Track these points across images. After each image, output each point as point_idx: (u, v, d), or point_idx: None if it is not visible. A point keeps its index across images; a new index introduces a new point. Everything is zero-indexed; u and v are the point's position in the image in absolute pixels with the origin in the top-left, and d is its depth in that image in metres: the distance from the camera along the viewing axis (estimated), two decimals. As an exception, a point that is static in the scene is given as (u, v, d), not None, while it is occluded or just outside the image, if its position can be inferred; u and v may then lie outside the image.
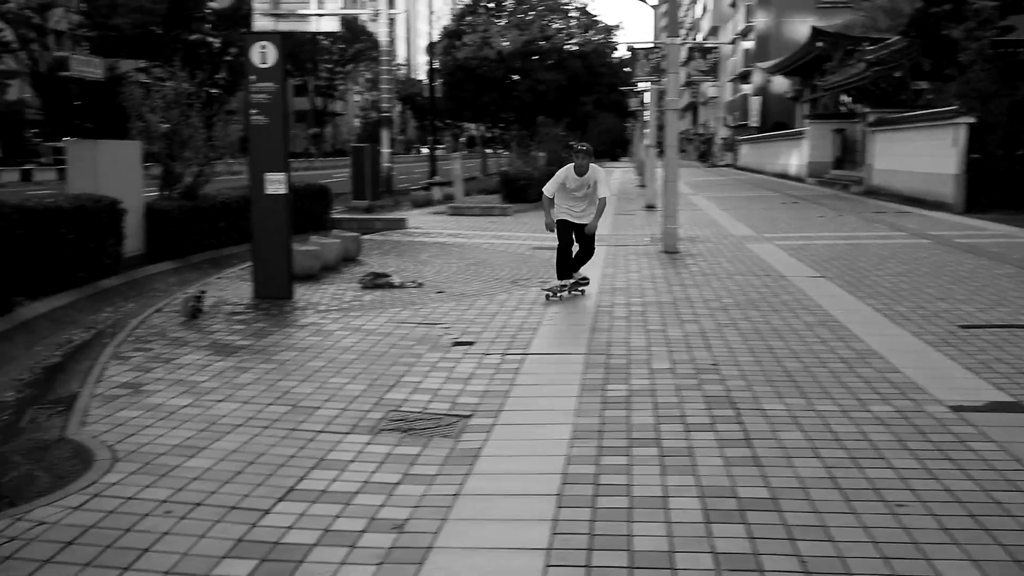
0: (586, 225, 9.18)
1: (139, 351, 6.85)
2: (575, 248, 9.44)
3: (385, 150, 27.15)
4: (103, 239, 10.17)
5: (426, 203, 24.10)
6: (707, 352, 6.77)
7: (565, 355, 6.75)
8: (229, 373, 6.18)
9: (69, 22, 45.95)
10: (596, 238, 9.49)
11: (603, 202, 9.17)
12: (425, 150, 71.15)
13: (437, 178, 28.43)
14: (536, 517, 3.80)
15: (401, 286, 9.99)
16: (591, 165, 9.08)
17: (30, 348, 7.54)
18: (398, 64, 72.61)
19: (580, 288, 9.39)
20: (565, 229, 9.26)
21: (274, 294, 9.10)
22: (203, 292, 8.73)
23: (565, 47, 42.00)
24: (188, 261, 12.28)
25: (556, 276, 9.33)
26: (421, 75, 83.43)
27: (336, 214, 18.19)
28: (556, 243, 9.50)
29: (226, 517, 3.83)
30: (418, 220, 19.10)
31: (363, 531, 3.70)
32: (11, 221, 8.08)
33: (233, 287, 9.90)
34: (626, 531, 3.66)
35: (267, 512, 3.89)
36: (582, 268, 9.48)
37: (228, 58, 47.49)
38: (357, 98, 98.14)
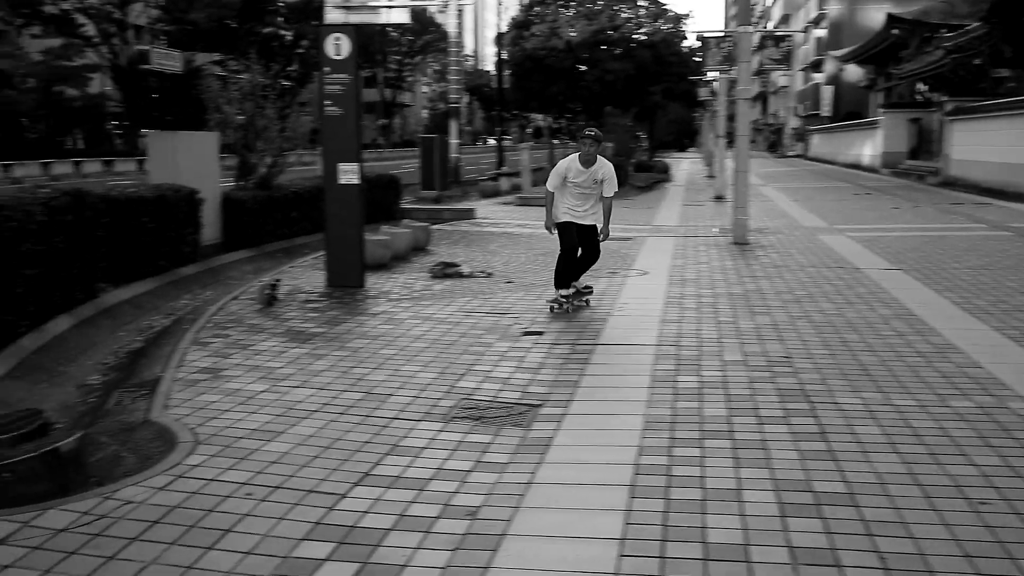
0: (592, 227, 8.07)
1: (217, 337, 7.03)
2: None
3: (453, 141, 27.31)
4: (182, 228, 10.44)
5: (493, 193, 24.19)
6: (780, 344, 6.69)
7: (635, 346, 6.73)
8: (304, 360, 6.31)
9: (148, 17, 47.17)
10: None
11: (609, 203, 8.06)
12: (492, 141, 71.35)
13: (504, 169, 28.50)
14: (609, 507, 3.81)
15: (470, 276, 10.06)
16: (599, 156, 7.92)
17: (114, 333, 7.78)
18: (466, 55, 72.94)
19: (585, 298, 8.29)
20: (570, 232, 8.01)
21: (346, 283, 9.24)
22: (278, 280, 8.91)
23: (633, 36, 41.65)
24: (262, 250, 12.53)
25: (555, 285, 8.12)
26: (488, 66, 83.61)
27: (405, 204, 18.36)
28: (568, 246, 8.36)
29: (304, 500, 3.91)
30: (486, 210, 19.17)
31: (437, 517, 3.75)
32: (97, 211, 8.34)
33: (306, 275, 10.08)
34: (700, 523, 3.65)
35: (343, 496, 3.96)
36: (583, 276, 8.33)
37: (299, 51, 48.24)
38: (425, 89, 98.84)
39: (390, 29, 64.16)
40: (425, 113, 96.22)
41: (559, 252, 8.05)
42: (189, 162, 11.67)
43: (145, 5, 45.30)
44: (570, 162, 7.88)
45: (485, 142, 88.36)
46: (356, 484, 4.10)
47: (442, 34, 64.99)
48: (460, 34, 35.74)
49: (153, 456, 4.52)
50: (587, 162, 7.78)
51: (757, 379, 5.77)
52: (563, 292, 8.00)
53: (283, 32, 47.70)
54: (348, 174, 9.13)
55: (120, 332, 7.87)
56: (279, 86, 15.47)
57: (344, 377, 5.88)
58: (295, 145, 14.09)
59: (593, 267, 8.37)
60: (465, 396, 5.48)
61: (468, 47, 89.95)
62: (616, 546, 3.44)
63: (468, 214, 17.92)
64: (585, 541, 3.49)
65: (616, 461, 4.35)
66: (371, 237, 10.62)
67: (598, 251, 8.27)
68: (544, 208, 8.30)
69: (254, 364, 6.20)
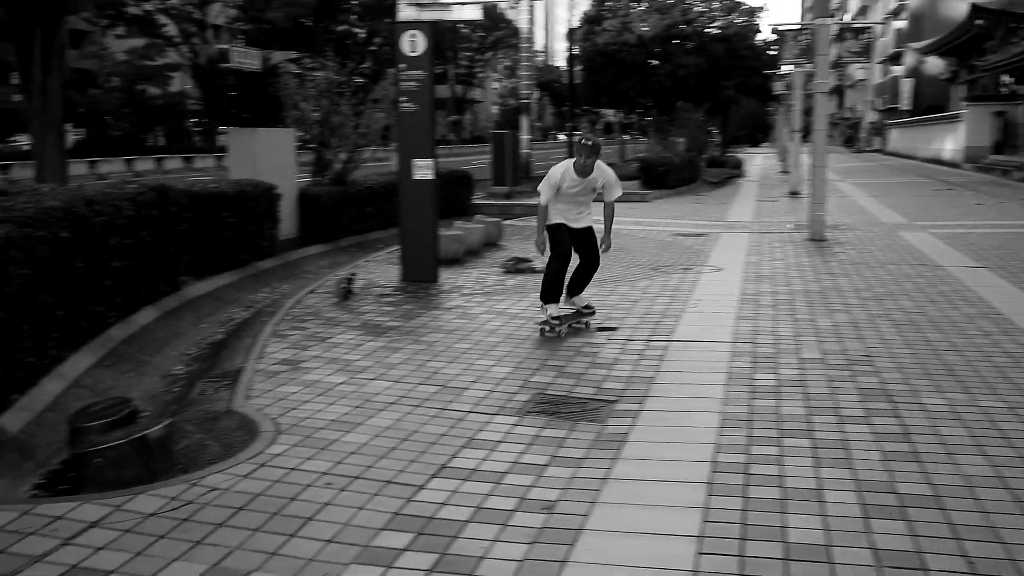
0: (587, 229, 7.22)
1: (296, 330, 7.17)
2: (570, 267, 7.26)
3: (524, 137, 27.34)
4: (261, 223, 10.67)
5: (564, 189, 24.13)
6: (859, 343, 6.55)
7: (710, 343, 6.66)
8: (380, 353, 6.39)
9: (226, 16, 48.22)
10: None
11: (612, 209, 7.30)
12: (562, 136, 71.19)
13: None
14: (686, 504, 3.78)
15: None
16: (598, 163, 7.01)
17: (196, 324, 7.99)
18: (536, 51, 72.91)
19: (583, 321, 7.28)
20: (563, 236, 7.11)
21: (420, 277, 9.33)
22: (353, 275, 9.05)
23: (707, 30, 41.16)
24: (337, 244, 12.73)
25: (543, 299, 7.09)
26: (559, 62, 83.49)
27: (476, 200, 18.46)
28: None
29: (383, 491, 3.97)
30: (557, 206, 19.13)
31: (514, 510, 3.77)
32: (180, 206, 8.57)
33: (380, 270, 10.20)
34: (779, 522, 3.60)
35: (421, 488, 4.01)
36: (585, 291, 7.39)
37: (372, 48, 48.85)
38: (495, 85, 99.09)
39: (461, 26, 64.47)
40: (495, 109, 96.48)
41: (549, 259, 7.09)
42: (267, 158, 11.91)
43: (224, 5, 46.33)
44: (564, 170, 6.99)
45: (555, 138, 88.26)
46: (433, 476, 4.15)
47: (513, 30, 65.04)
48: (531, 30, 35.73)
49: (236, 445, 4.63)
50: (583, 171, 6.92)
51: (836, 378, 5.66)
52: (554, 312, 7.01)
53: (356, 30, 48.36)
54: (423, 170, 9.21)
55: (202, 324, 8.07)
56: (354, 83, 15.68)
57: (420, 370, 5.95)
58: (369, 141, 14.28)
59: (663, 264, 8.27)
60: (539, 391, 5.50)
61: (539, 43, 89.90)
62: (695, 544, 3.42)
63: (539, 210, 17.92)
64: (663, 538, 3.47)
65: (693, 458, 4.32)
66: (445, 232, 10.70)
67: (597, 259, 7.31)
68: (538, 224, 7.19)
69: (332, 356, 6.31)
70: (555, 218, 7.11)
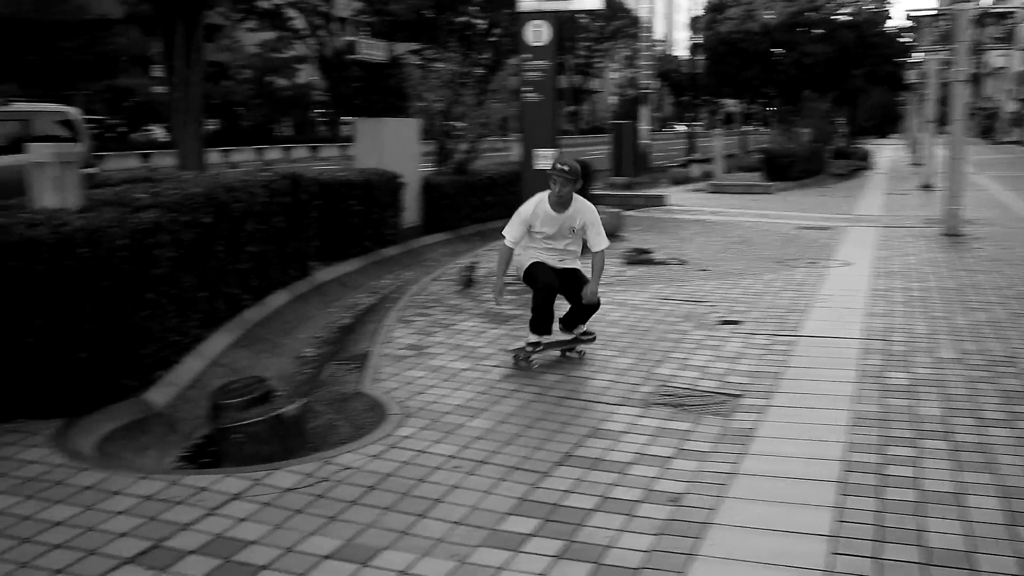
0: (572, 271, 6.03)
1: (420, 316, 7.31)
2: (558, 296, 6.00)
3: (643, 127, 27.09)
4: (385, 211, 10.90)
5: (684, 180, 23.84)
6: (1001, 343, 6.25)
7: (839, 339, 6.47)
8: (503, 340, 6.46)
9: (351, 9, 49.38)
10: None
11: (601, 258, 5.99)
12: (680, 127, 70.15)
13: (696, 155, 28.01)
14: (817, 502, 3.70)
15: (663, 262, 9.97)
16: (576, 197, 5.84)
17: (324, 309, 8.24)
18: (656, 40, 71.99)
19: (578, 349, 6.14)
20: (544, 270, 5.91)
21: (540, 267, 9.36)
22: (475, 263, 9.16)
23: (834, 17, 39.87)
24: (458, 233, 12.91)
25: (532, 328, 5.91)
26: (679, 51, 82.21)
27: (595, 191, 18.38)
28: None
29: (509, 476, 4.02)
30: (677, 197, 18.92)
31: (639, 501, 3.76)
32: (310, 193, 8.84)
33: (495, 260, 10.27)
34: (916, 526, 3.48)
35: (546, 475, 4.04)
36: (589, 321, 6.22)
37: (492, 39, 49.21)
38: (613, 76, 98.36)
39: (580, 15, 64.21)
40: (613, 99, 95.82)
41: (535, 289, 5.90)
42: (392, 148, 12.15)
43: (349, -1, 47.50)
44: (537, 204, 5.84)
45: (673, 128, 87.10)
46: (558, 464, 4.17)
47: (632, 19, 64.41)
48: (651, 19, 35.33)
49: (365, 426, 4.77)
50: (560, 204, 5.77)
51: (976, 379, 5.42)
52: (532, 338, 5.90)
53: (476, 21, 48.80)
54: (544, 159, 9.23)
55: (330, 308, 8.31)
56: (475, 74, 15.84)
57: (541, 359, 5.97)
58: (490, 131, 14.40)
59: (788, 257, 8.06)
60: (662, 383, 5.46)
61: (659, 32, 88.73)
62: (826, 543, 3.34)
63: (659, 201, 17.75)
64: (794, 535, 3.41)
65: (822, 456, 4.21)
66: (564, 222, 10.70)
67: (591, 300, 5.94)
68: (498, 268, 6.04)
69: (456, 343, 6.41)
70: (534, 258, 5.98)
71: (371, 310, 8.18)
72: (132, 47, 46.09)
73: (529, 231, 5.92)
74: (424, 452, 4.30)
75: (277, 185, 7.97)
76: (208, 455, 4.67)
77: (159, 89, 45.04)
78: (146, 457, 4.56)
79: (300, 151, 41.65)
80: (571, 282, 5.97)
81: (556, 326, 6.02)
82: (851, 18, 39.26)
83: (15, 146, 11.48)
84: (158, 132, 43.92)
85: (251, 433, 4.44)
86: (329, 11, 47.10)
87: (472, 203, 13.44)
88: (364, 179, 10.46)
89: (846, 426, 4.63)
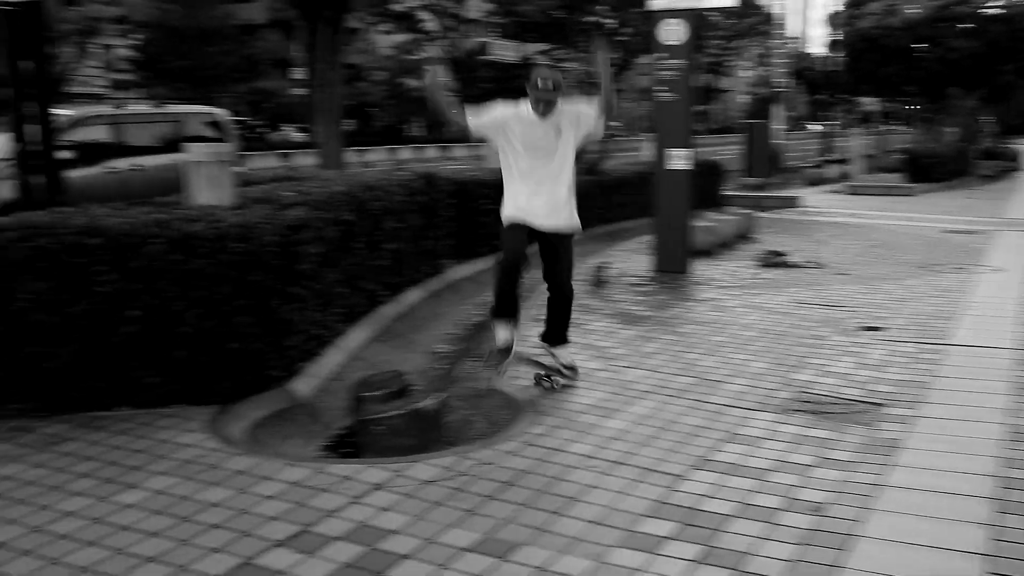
0: (556, 235, 5.15)
1: (551, 315, 7.34)
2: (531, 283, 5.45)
3: (776, 126, 26.43)
4: (515, 210, 10.99)
5: (819, 181, 23.15)
6: None
7: (991, 348, 6.16)
8: (635, 342, 6.43)
9: (481, 11, 50.07)
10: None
11: (607, 100, 5.06)
12: (815, 126, 68.05)
13: (832, 155, 27.15)
14: (969, 519, 3.53)
15: (799, 265, 9.71)
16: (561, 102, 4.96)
17: (457, 306, 8.37)
18: (790, 37, 70.08)
19: (552, 379, 5.30)
20: (516, 236, 5.12)
21: (671, 268, 9.27)
22: (606, 263, 9.14)
23: (982, 11, 37.90)
24: (589, 233, 12.85)
25: (492, 314, 5.29)
26: (813, 48, 79.76)
27: (726, 191, 18.06)
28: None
29: (644, 478, 4.00)
30: (812, 199, 18.39)
31: (779, 509, 3.68)
32: (444, 192, 9.01)
33: (630, 259, 10.23)
34: (1081, 548, 3.28)
35: (681, 478, 4.00)
36: (569, 343, 5.46)
37: (621, 38, 48.94)
38: (744, 74, 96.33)
39: (712, 13, 63.17)
40: (744, 98, 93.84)
41: (498, 265, 5.18)
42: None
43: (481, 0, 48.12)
44: (515, 111, 4.97)
45: (806, 128, 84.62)
46: (693, 468, 4.12)
47: (765, 16, 62.94)
48: (785, 16, 34.44)
49: (500, 423, 4.83)
50: (543, 110, 4.90)
51: None
52: (501, 342, 5.17)
53: (604, 21, 48.59)
54: (678, 159, 9.13)
55: (462, 305, 8.44)
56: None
57: (675, 361, 5.92)
58: (620, 131, 14.34)
59: (933, 262, 7.69)
60: (801, 389, 5.32)
61: (793, 29, 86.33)
62: (981, 562, 3.19)
63: (792, 202, 17.30)
64: (945, 552, 3.27)
65: (975, 471, 4.02)
66: (697, 223, 10.56)
67: (567, 283, 5.22)
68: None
69: (588, 343, 6.41)
70: (512, 213, 5.15)
71: (502, 308, 8.25)
72: (273, 51, 48.02)
73: (507, 138, 4.98)
74: (559, 450, 4.32)
75: (414, 184, 8.16)
76: (349, 445, 4.82)
77: (297, 91, 46.78)
78: (291, 445, 4.73)
79: (431, 151, 42.47)
80: (551, 251, 5.14)
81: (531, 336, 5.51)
82: (1002, 11, 37.23)
83: (169, 146, 12.15)
84: (293, 133, 45.55)
85: (391, 426, 4.56)
86: (460, 13, 47.87)
87: (602, 203, 13.40)
88: (497, 178, 10.55)
89: (999, 440, 4.41)
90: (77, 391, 4.76)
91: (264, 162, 29.04)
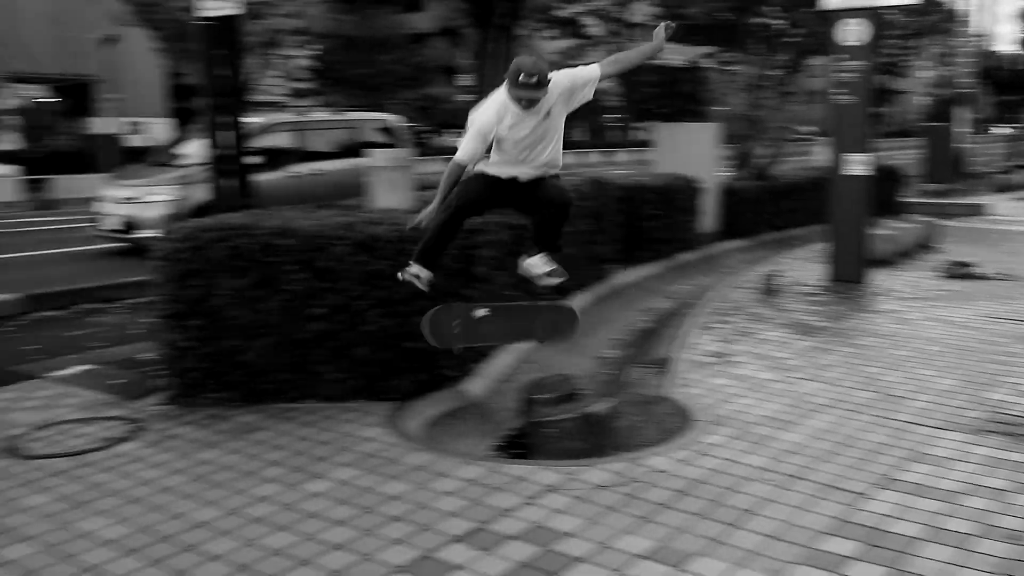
0: (544, 179, 4.37)
1: (721, 323, 7.21)
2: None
3: (960, 129, 24.96)
4: (683, 216, 10.87)
5: (1007, 188, 21.70)
6: None
7: None
8: (811, 353, 6.22)
9: (644, 14, 49.71)
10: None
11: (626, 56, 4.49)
12: (1001, 129, 63.92)
13: (1021, 160, 25.42)
14: None
15: (988, 278, 9.14)
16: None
17: (622, 312, 8.35)
18: (976, 35, 66.11)
19: (554, 278, 4.57)
20: (479, 185, 4.36)
21: (847, 277, 8.91)
22: (777, 271, 8.89)
23: None
24: (757, 240, 12.60)
25: (415, 257, 4.44)
26: (1001, 46, 74.91)
27: (905, 197, 17.21)
28: None
29: (823, 494, 3.87)
30: (1000, 206, 17.27)
31: (973, 535, 3.48)
32: (611, 197, 9.01)
33: (802, 267, 9.90)
34: None
35: (863, 496, 3.85)
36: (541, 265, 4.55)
37: (791, 39, 47.52)
38: (923, 74, 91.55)
39: (890, 12, 60.43)
40: (923, 100, 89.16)
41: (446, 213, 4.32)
42: (690, 152, 12.09)
43: (649, 4, 47.83)
44: (498, 111, 4.18)
45: (993, 131, 79.56)
46: (876, 486, 3.95)
47: (948, 13, 59.64)
48: (970, 13, 32.52)
49: (671, 430, 4.78)
50: (529, 101, 4.09)
51: None
52: (414, 269, 4.42)
53: (773, 22, 47.32)
54: (856, 165, 8.78)
55: (627, 311, 8.41)
56: (775, 76, 15.39)
57: (854, 374, 5.69)
58: (791, 135, 13.94)
59: None
60: (994, 409, 5.00)
61: (979, 26, 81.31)
62: None
63: (978, 209, 16.31)
64: None
65: None
66: (875, 231, 10.12)
67: (564, 200, 4.40)
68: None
69: (760, 352, 6.26)
70: (490, 168, 4.37)
71: (669, 315, 8.18)
72: (440, 58, 49.37)
73: (496, 143, 4.26)
74: (734, 462, 4.24)
75: (582, 189, 8.19)
76: (519, 446, 4.89)
77: (463, 98, 47.87)
78: (464, 443, 4.85)
79: (593, 156, 42.53)
80: (531, 193, 4.37)
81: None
82: None
83: (345, 152, 12.71)
84: (455, 139, 46.64)
85: (562, 428, 4.60)
86: (625, 17, 47.69)
87: (771, 209, 13.06)
88: (662, 184, 10.49)
89: None
90: (268, 383, 5.04)
91: (432, 167, 29.86)
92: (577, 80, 4.29)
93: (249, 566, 3.30)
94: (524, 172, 4.34)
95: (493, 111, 4.19)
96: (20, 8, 34.22)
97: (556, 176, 4.47)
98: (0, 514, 3.77)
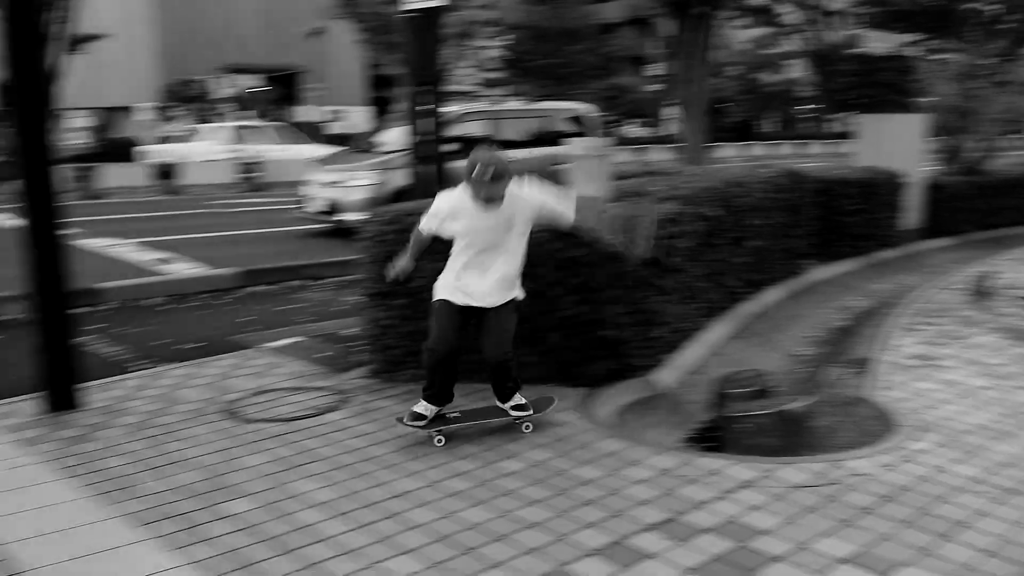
0: (494, 309, 4.37)
1: (926, 325, 6.84)
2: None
3: None
4: (884, 211, 10.38)
5: None
6: None
7: None
8: (1029, 361, 5.81)
9: (844, 1, 47.52)
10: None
11: (591, 207, 4.65)
12: None
13: None
14: None
15: None
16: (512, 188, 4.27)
17: (816, 308, 8.06)
18: None
19: (523, 424, 4.58)
20: (446, 316, 4.37)
21: (1070, 282, 8.26)
22: (990, 272, 8.34)
23: None
24: (966, 238, 11.86)
25: (424, 396, 4.48)
26: None
27: None
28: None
29: (1044, 511, 3.62)
30: None
31: None
32: (807, 191, 8.71)
33: (1018, 269, 9.23)
34: None
35: (1091, 517, 3.57)
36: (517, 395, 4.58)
37: (1005, 26, 44.09)
38: None
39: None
40: None
41: (430, 351, 4.41)
42: (893, 145, 11.51)
43: (849, -11, 45.73)
44: (458, 200, 4.31)
45: None
46: (1107, 507, 3.66)
47: None
48: None
49: (871, 433, 4.58)
50: (489, 197, 4.19)
51: None
52: (420, 408, 4.44)
53: (986, 8, 44.07)
54: (1086, 160, 8.10)
55: (822, 308, 8.11)
56: (989, 65, 14.37)
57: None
58: (1010, 128, 12.99)
59: None
60: None
61: None
62: None
63: None
64: None
65: None
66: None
67: (496, 357, 4.37)
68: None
69: (970, 358, 5.90)
70: (441, 292, 4.43)
71: (868, 314, 7.83)
72: (628, 48, 49.09)
73: (462, 234, 4.33)
74: (943, 470, 4.02)
75: (778, 181, 7.98)
76: (710, 439, 4.82)
77: (650, 88, 47.44)
78: (653, 433, 4.83)
79: (784, 147, 41.20)
80: (485, 327, 4.39)
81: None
82: None
83: (538, 140, 12.88)
84: (636, 128, 46.27)
85: (758, 424, 4.51)
86: (823, 4, 45.81)
87: (983, 207, 12.23)
88: (862, 177, 10.05)
89: None
90: (465, 363, 5.20)
91: (618, 157, 29.78)
92: (546, 209, 4.39)
93: (449, 537, 3.43)
94: (481, 289, 4.33)
95: (453, 198, 4.35)
96: (236, 4, 36.70)
97: (515, 301, 4.46)
98: (224, 471, 4.09)
